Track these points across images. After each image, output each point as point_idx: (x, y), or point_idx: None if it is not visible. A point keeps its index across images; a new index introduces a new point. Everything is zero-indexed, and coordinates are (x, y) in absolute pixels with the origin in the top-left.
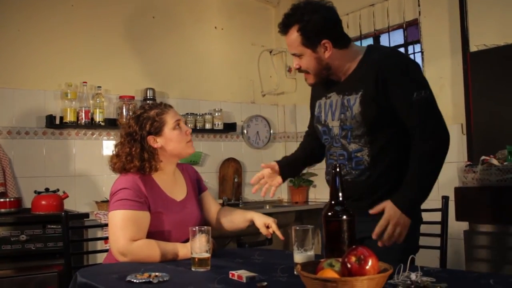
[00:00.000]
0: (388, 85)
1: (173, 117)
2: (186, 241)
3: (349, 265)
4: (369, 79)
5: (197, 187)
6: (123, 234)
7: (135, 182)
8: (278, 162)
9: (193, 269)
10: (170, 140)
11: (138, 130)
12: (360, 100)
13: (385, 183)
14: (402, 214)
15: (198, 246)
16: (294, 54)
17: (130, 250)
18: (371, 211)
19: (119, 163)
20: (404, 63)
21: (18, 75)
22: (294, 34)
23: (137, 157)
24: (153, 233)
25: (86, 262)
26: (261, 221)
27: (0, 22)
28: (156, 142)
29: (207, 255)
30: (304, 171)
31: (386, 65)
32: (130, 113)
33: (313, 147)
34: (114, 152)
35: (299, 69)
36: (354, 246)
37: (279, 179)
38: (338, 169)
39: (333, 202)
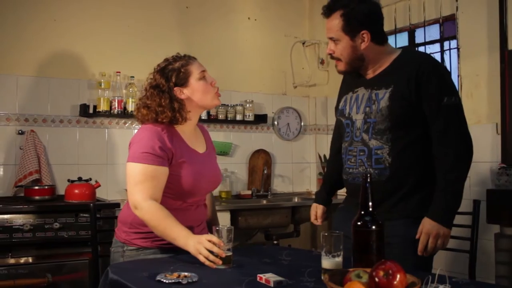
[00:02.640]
0: (421, 85)
1: (198, 68)
2: (203, 193)
3: (377, 279)
4: (402, 76)
5: (214, 149)
6: (140, 189)
7: (159, 133)
8: (322, 203)
9: (215, 266)
10: (197, 91)
11: (164, 82)
12: (389, 95)
13: (404, 185)
14: (439, 226)
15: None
16: (331, 38)
17: (142, 207)
18: (417, 236)
19: (151, 114)
20: (440, 67)
21: (54, 64)
22: (336, 18)
23: (168, 107)
24: (175, 184)
25: None
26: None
27: (36, 12)
28: (182, 93)
29: (229, 253)
30: None
31: (422, 65)
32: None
33: (339, 172)
34: (139, 105)
35: (332, 55)
36: (382, 260)
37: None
38: (368, 179)
39: (362, 212)
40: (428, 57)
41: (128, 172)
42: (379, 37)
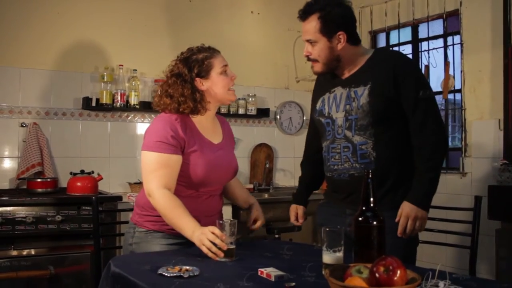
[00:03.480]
0: (398, 78)
1: (221, 62)
2: (216, 183)
3: (377, 275)
4: (379, 73)
5: (233, 140)
6: (153, 177)
7: (172, 123)
8: (301, 203)
9: (217, 259)
10: (216, 84)
11: (187, 72)
12: (368, 92)
13: (390, 177)
14: (418, 208)
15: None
16: (308, 41)
17: (155, 195)
18: (396, 219)
19: (174, 104)
20: (413, 64)
21: (57, 57)
22: (314, 21)
23: (190, 98)
24: (187, 173)
25: (118, 243)
26: (256, 214)
27: (40, 5)
28: (202, 85)
29: (232, 246)
30: None
31: (398, 61)
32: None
33: (316, 172)
34: (161, 92)
35: (308, 57)
36: (383, 256)
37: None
38: (370, 175)
39: (364, 207)
40: (401, 54)
41: (143, 160)
42: (354, 38)
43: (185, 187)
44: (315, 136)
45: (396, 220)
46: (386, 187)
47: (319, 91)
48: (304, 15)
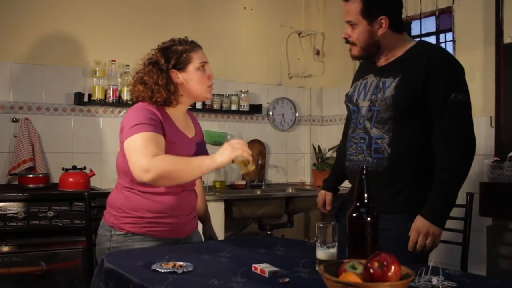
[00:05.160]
0: (431, 77)
1: (200, 58)
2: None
3: (371, 271)
4: (412, 67)
5: (203, 135)
6: (143, 152)
7: (150, 110)
8: (330, 190)
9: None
10: (192, 79)
11: (164, 61)
12: (396, 85)
13: (402, 178)
14: (430, 224)
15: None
16: (348, 22)
17: (153, 165)
18: (409, 233)
19: (147, 91)
20: (452, 62)
21: (48, 52)
22: (356, 2)
23: (163, 88)
24: None
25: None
26: (207, 233)
27: None
28: (177, 77)
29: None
30: (328, 155)
31: (434, 58)
32: None
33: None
34: (135, 78)
35: (347, 40)
36: (377, 252)
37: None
38: (364, 171)
39: (358, 203)
40: (441, 50)
41: (128, 147)
42: (397, 24)
43: None
44: (348, 122)
45: (409, 234)
46: (396, 188)
47: (357, 76)
48: None
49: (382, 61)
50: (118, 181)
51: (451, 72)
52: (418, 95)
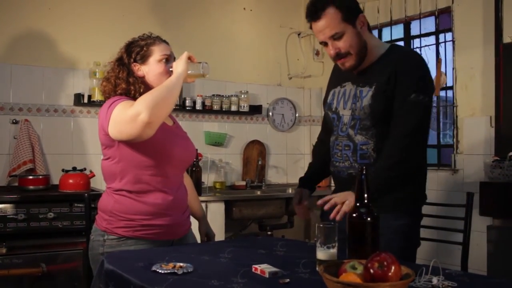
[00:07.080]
0: (398, 81)
1: (162, 50)
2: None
3: (372, 271)
4: (386, 74)
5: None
6: (125, 108)
7: (128, 98)
8: (304, 188)
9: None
10: (152, 72)
11: (126, 56)
12: (372, 94)
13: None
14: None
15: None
16: (332, 37)
17: (139, 105)
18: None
19: (109, 85)
20: (420, 65)
21: (48, 53)
22: (332, 13)
23: (123, 79)
24: (152, 151)
25: None
26: (203, 230)
27: (31, 1)
28: (139, 70)
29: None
30: None
31: (403, 60)
32: None
33: (326, 159)
34: (103, 78)
35: (338, 54)
36: (377, 252)
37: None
38: (364, 171)
39: (358, 203)
40: (412, 54)
41: (113, 119)
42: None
43: (156, 175)
44: (326, 127)
45: (332, 199)
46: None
47: (333, 82)
48: (317, 12)
49: (358, 68)
50: (107, 186)
51: (416, 73)
52: (390, 98)
